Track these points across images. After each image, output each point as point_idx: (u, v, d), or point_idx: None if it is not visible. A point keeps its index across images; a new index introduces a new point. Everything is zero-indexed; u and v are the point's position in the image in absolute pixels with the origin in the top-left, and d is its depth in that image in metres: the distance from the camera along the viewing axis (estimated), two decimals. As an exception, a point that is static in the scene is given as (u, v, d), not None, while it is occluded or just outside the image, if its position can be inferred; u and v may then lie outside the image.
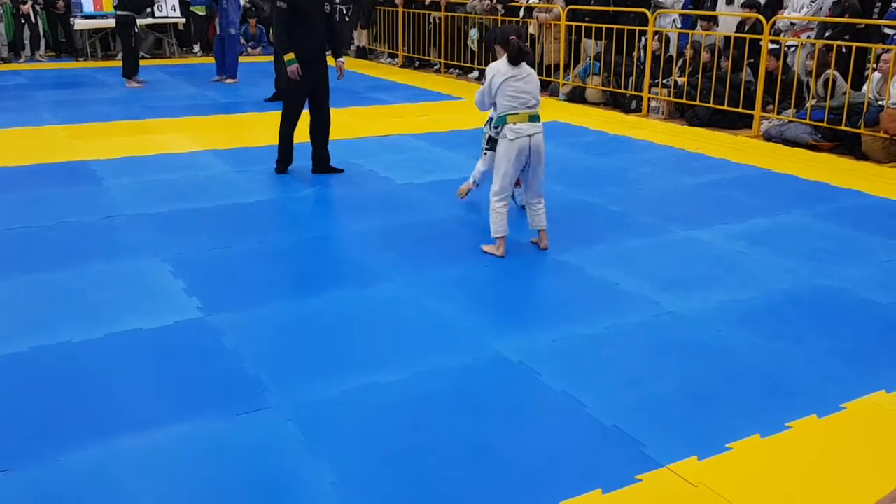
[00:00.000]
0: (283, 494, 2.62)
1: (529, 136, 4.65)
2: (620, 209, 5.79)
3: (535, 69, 5.05)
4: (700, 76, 9.15)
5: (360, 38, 15.86)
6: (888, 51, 7.56)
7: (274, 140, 6.80)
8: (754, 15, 9.02)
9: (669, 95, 9.44)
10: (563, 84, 10.81)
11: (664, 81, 9.54)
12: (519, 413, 3.14)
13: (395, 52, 14.72)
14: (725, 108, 8.79)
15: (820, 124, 7.84)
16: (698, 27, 9.83)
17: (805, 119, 7.97)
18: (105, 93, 11.00)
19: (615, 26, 9.94)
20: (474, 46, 12.50)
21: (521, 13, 11.55)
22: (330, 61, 6.60)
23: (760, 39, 8.50)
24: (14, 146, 7.61)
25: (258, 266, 4.64)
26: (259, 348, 3.61)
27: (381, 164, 7.03)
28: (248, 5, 15.47)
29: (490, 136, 5.11)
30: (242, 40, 14.20)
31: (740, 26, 9.55)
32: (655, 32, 9.63)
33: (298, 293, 4.25)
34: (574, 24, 10.62)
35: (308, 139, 6.72)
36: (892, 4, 8.99)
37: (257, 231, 5.25)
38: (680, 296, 4.24)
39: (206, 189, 6.21)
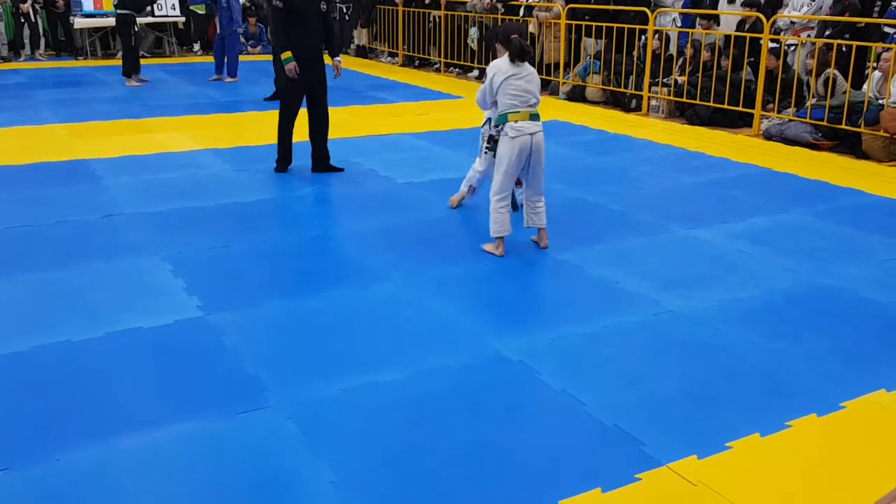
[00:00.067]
0: (282, 494, 2.62)
1: (531, 134, 4.65)
2: (620, 208, 5.79)
3: (535, 68, 5.05)
4: (700, 75, 9.15)
5: (360, 36, 15.86)
6: (888, 49, 7.56)
7: (274, 139, 6.80)
8: (754, 14, 9.02)
9: (669, 94, 9.44)
10: (563, 83, 10.80)
11: (664, 80, 9.54)
12: (518, 412, 3.14)
13: (395, 50, 14.72)
14: (725, 106, 8.79)
15: (820, 123, 7.83)
16: (698, 26, 9.83)
17: (805, 118, 7.97)
18: (105, 92, 11.00)
19: (615, 25, 9.94)
20: (474, 45, 12.50)
21: (521, 12, 11.55)
22: (327, 59, 6.60)
23: (761, 38, 8.49)
24: (14, 145, 7.61)
25: (258, 265, 4.64)
26: (259, 347, 3.61)
27: (381, 163, 7.03)
28: (248, 4, 15.47)
29: (490, 136, 5.11)
30: (242, 39, 14.19)
31: (740, 25, 9.55)
32: (655, 31, 9.63)
33: (298, 292, 4.25)
34: (574, 22, 10.62)
35: (307, 138, 6.73)
36: (893, 3, 8.98)
37: (257, 230, 5.25)
38: (680, 295, 4.24)
39: (206, 188, 6.21)
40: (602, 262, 4.71)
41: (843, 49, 8.15)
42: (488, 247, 4.84)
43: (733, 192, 6.27)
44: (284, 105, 6.63)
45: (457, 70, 13.22)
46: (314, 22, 6.37)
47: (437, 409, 3.12)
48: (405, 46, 14.27)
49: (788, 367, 3.48)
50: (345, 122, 8.63)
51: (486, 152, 5.36)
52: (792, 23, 9.21)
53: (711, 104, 8.87)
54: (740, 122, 8.85)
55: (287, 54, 6.24)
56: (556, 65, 10.94)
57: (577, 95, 10.60)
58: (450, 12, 12.87)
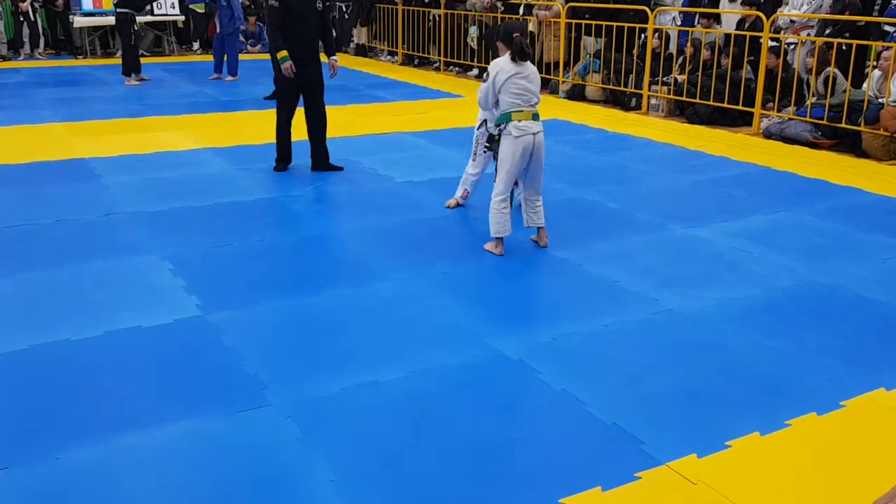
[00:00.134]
0: (282, 492, 2.62)
1: (533, 134, 4.65)
2: (620, 207, 5.79)
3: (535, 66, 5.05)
4: (700, 74, 9.15)
5: (360, 35, 15.86)
6: (888, 48, 7.55)
7: (273, 138, 6.80)
8: (754, 12, 9.01)
9: (669, 93, 9.44)
10: (563, 82, 10.80)
11: (664, 79, 9.54)
12: (518, 411, 3.14)
13: (394, 49, 14.71)
14: (725, 105, 8.78)
15: (820, 122, 7.83)
16: (698, 24, 9.83)
17: (805, 117, 7.97)
18: (104, 90, 11.00)
19: (615, 24, 9.94)
20: (474, 44, 12.49)
21: (521, 10, 11.54)
22: (323, 58, 6.60)
23: (760, 37, 8.49)
24: (13, 144, 7.61)
25: (258, 264, 4.64)
26: (258, 346, 3.61)
27: (380, 162, 7.02)
28: (248, 3, 15.46)
29: (491, 135, 5.10)
30: (242, 38, 14.19)
31: (740, 24, 9.55)
32: (655, 30, 9.62)
33: (298, 291, 4.25)
34: (574, 21, 10.62)
35: (307, 137, 6.73)
36: (893, 2, 8.98)
37: (257, 229, 5.25)
38: (679, 293, 4.24)
39: (206, 187, 6.20)
40: (601, 260, 4.71)
41: (843, 48, 8.14)
42: (489, 246, 4.85)
43: (733, 190, 6.27)
44: (281, 104, 6.64)
45: (456, 69, 13.22)
46: (311, 21, 6.37)
47: (436, 408, 3.12)
48: (405, 45, 14.26)
49: (788, 366, 3.49)
50: (344, 120, 8.63)
51: (484, 152, 5.36)
52: (792, 21, 9.21)
53: (711, 103, 8.87)
54: (740, 120, 8.85)
55: (283, 53, 6.25)
56: (556, 63, 10.94)
57: (576, 94, 10.60)
58: (449, 11, 12.86)
